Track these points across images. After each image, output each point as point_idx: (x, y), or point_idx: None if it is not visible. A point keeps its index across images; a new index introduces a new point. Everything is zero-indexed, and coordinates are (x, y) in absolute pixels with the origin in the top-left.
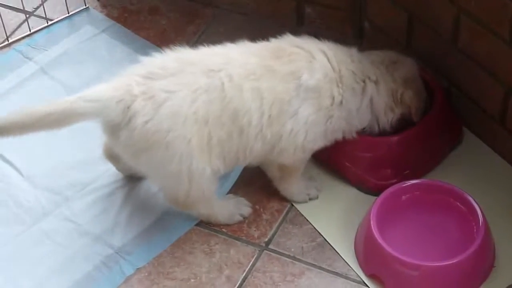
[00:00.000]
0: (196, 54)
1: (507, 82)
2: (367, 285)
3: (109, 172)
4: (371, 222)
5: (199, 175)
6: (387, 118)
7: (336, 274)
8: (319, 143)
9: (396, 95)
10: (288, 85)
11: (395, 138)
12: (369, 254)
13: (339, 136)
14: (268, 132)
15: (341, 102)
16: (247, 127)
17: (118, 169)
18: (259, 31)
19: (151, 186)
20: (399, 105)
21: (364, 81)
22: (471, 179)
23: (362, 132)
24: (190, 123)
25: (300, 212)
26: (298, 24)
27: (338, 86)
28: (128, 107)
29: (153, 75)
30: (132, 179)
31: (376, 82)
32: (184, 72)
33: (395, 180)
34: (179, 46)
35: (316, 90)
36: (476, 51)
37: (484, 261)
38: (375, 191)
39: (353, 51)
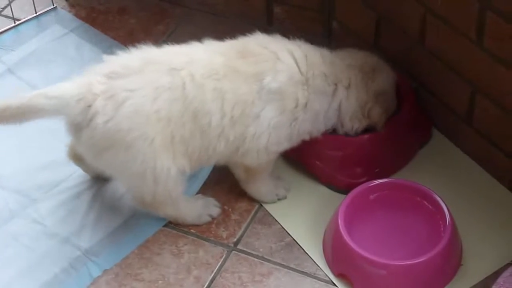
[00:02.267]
0: (160, 53)
1: (473, 82)
2: (335, 285)
3: (76, 173)
4: (339, 222)
5: (165, 175)
6: (352, 125)
7: (305, 273)
8: (283, 145)
9: (364, 108)
10: (251, 87)
11: (365, 137)
12: (337, 254)
13: (305, 137)
14: (231, 134)
15: (305, 105)
16: (208, 127)
17: (84, 170)
18: (228, 31)
19: (118, 187)
20: (366, 118)
21: (336, 84)
22: (438, 177)
23: (329, 132)
24: (153, 121)
25: (268, 212)
26: (268, 23)
27: (303, 88)
28: (89, 106)
29: (115, 74)
30: (99, 180)
31: (347, 88)
32: (147, 71)
33: (365, 179)
34: (145, 44)
35: (279, 92)
36: (443, 51)
37: (451, 260)
38: (345, 190)
39: (325, 52)
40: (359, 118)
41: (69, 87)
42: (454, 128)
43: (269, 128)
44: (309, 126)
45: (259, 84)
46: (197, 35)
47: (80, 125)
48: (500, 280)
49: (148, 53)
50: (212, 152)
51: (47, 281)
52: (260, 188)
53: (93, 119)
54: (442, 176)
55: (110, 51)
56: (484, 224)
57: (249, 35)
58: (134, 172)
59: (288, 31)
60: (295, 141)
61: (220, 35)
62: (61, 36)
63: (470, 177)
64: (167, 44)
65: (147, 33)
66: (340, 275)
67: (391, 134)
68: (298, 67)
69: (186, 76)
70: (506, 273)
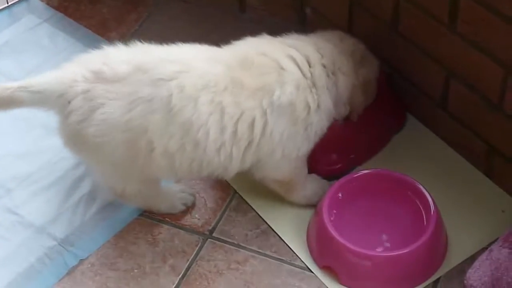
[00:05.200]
0: (153, 58)
1: (447, 66)
2: (311, 271)
3: (50, 162)
4: (323, 215)
5: (133, 180)
6: (339, 111)
7: (281, 260)
8: (303, 149)
9: (353, 94)
10: (258, 102)
11: (339, 123)
12: (322, 247)
13: (323, 133)
14: (234, 149)
15: (318, 106)
16: (204, 140)
17: None
18: (201, 19)
19: (93, 177)
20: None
21: (334, 74)
22: (413, 163)
23: None
24: (120, 131)
25: (244, 200)
26: (241, 11)
27: (312, 92)
28: (69, 102)
29: (101, 75)
30: (73, 170)
31: (345, 74)
32: (131, 80)
33: (340, 165)
34: (145, 42)
35: (290, 105)
36: (417, 35)
37: (437, 250)
38: (323, 177)
39: (320, 42)
40: (345, 104)
41: (51, 80)
42: (429, 113)
43: (281, 141)
44: (326, 122)
45: (267, 98)
46: (170, 23)
47: (59, 117)
48: (476, 263)
49: (143, 57)
50: (206, 165)
51: (23, 271)
52: (305, 193)
53: (69, 116)
54: (417, 162)
55: (84, 40)
56: (460, 209)
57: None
58: (103, 169)
59: (261, 18)
60: (314, 141)
61: (192, 23)
62: (35, 26)
63: (446, 162)
64: (141, 32)
65: (119, 22)
66: (324, 267)
67: (365, 120)
68: (302, 72)
69: (175, 87)
70: (482, 257)
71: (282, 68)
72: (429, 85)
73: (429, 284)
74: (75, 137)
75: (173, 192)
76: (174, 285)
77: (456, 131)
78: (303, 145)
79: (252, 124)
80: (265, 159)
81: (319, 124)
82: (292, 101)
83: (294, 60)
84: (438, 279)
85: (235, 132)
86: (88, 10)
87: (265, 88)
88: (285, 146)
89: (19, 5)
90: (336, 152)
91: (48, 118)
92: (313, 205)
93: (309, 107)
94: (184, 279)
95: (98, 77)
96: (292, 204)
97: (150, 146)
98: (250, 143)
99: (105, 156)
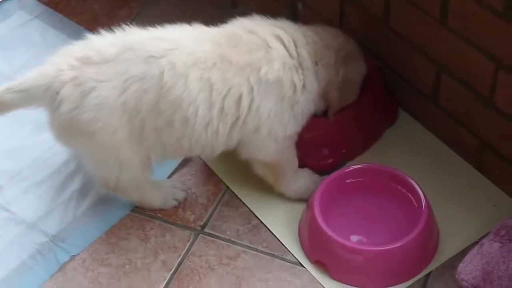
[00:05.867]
0: (140, 38)
1: (439, 61)
2: (303, 266)
3: (41, 158)
4: (315, 209)
5: (128, 165)
6: (320, 104)
7: (272, 255)
8: (290, 128)
9: (328, 89)
10: (245, 78)
11: (331, 118)
12: (313, 241)
13: (308, 118)
14: (221, 125)
15: (304, 86)
16: (194, 117)
17: None
18: (193, 14)
19: (85, 173)
20: (324, 99)
21: (316, 64)
22: (405, 157)
23: None
24: (117, 114)
25: (235, 195)
26: (232, 6)
27: (297, 71)
28: (57, 93)
29: (88, 60)
30: (64, 166)
31: (324, 67)
32: (120, 59)
33: (332, 160)
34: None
35: (277, 81)
36: (408, 30)
37: (428, 244)
38: (313, 171)
39: (307, 31)
40: (322, 98)
41: (36, 76)
42: (421, 108)
43: (269, 119)
44: (313, 105)
45: (255, 75)
46: (162, 19)
47: (49, 110)
48: (467, 258)
49: (130, 38)
50: (195, 142)
51: (15, 267)
52: (295, 186)
53: (59, 106)
54: (409, 156)
55: (75, 36)
56: (452, 203)
57: (212, 18)
58: (97, 158)
59: (254, 13)
60: (301, 122)
61: (184, 19)
62: (26, 22)
63: (437, 157)
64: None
65: (110, 17)
66: (316, 262)
67: (357, 115)
68: (288, 51)
69: (166, 64)
70: (473, 251)
71: (269, 46)
72: (420, 80)
73: (420, 279)
74: (68, 127)
75: (164, 188)
76: (166, 280)
77: (448, 126)
78: (290, 124)
79: (239, 100)
80: (250, 136)
81: (306, 104)
82: (279, 77)
83: (281, 40)
84: (429, 274)
85: (222, 109)
86: (79, 6)
87: (252, 64)
88: (272, 124)
89: (10, 2)
90: (328, 147)
91: (38, 114)
92: (305, 200)
93: (295, 86)
94: (176, 274)
95: (85, 62)
96: (284, 199)
97: (142, 124)
98: (236, 119)
99: (99, 142)
